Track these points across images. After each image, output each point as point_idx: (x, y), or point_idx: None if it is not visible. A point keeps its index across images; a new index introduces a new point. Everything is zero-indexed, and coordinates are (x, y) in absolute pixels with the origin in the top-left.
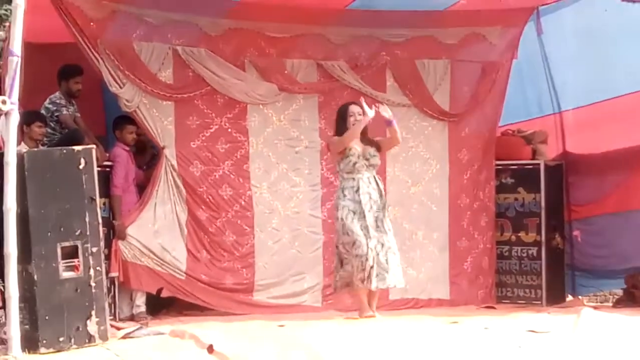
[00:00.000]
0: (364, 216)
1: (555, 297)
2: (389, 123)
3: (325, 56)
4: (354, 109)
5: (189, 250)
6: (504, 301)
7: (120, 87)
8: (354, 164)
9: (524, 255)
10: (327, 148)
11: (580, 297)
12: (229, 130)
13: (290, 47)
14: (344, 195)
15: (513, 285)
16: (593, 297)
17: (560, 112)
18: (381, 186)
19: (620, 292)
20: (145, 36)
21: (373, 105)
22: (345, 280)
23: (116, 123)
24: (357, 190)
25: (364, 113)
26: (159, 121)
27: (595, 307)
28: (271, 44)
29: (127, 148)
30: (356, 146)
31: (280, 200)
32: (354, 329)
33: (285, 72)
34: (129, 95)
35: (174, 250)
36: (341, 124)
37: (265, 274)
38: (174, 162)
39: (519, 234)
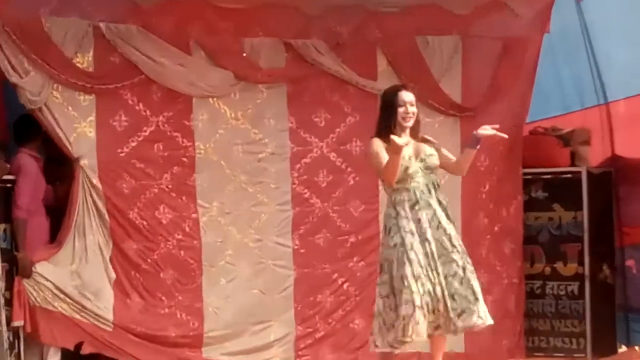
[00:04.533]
0: (426, 240)
1: (604, 347)
2: (474, 141)
3: (296, 33)
4: (405, 97)
5: (116, 294)
6: (536, 354)
7: (22, 77)
8: (406, 169)
9: (562, 293)
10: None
11: (637, 347)
12: (169, 132)
13: (250, 22)
14: (397, 214)
15: (548, 333)
16: None
17: (606, 103)
18: (444, 199)
19: None
20: (58, 10)
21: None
22: (402, 330)
23: (20, 123)
24: (415, 205)
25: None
26: (75, 122)
27: None
28: (224, 18)
29: (37, 156)
30: (406, 147)
31: (237, 225)
32: None
33: (244, 54)
34: (34, 87)
35: (98, 293)
36: (386, 117)
37: (217, 322)
38: (94, 178)
39: (555, 265)
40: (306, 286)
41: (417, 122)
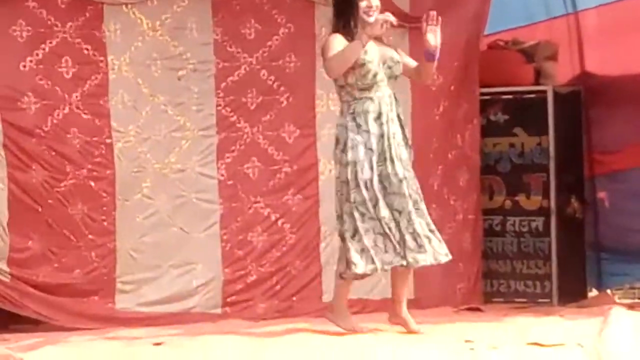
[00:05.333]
0: (391, 159)
1: (572, 291)
2: (429, 56)
3: None
4: None
5: (12, 237)
6: (495, 300)
7: None
8: (375, 75)
9: (525, 230)
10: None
11: (609, 291)
12: (77, 44)
13: None
14: (358, 126)
15: (509, 276)
16: (629, 290)
17: (575, 12)
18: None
19: None
20: None
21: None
22: (370, 259)
23: None
24: (380, 117)
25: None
26: None
27: (630, 306)
28: None
29: None
30: (372, 49)
31: (155, 152)
32: (267, 352)
33: None
34: None
35: None
36: (346, 12)
37: (132, 266)
38: None
39: (517, 199)
40: (235, 223)
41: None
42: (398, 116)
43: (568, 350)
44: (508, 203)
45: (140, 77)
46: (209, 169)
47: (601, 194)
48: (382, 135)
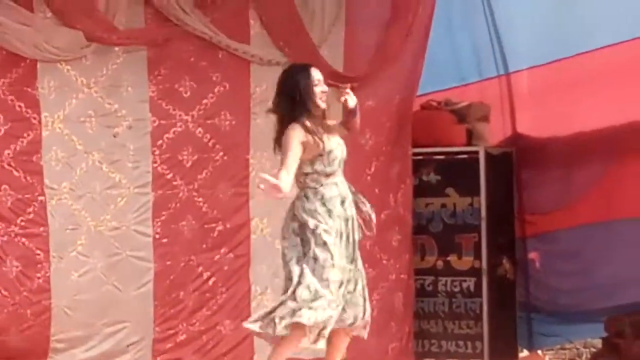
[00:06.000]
0: (353, 244)
1: (504, 352)
2: (352, 113)
3: None
4: (318, 75)
5: None
6: (426, 359)
7: None
8: (340, 161)
9: (456, 290)
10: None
11: (540, 351)
12: (10, 101)
13: None
14: (329, 211)
15: (441, 336)
16: (560, 351)
17: (507, 74)
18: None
19: (599, 343)
20: None
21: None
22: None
23: None
24: (344, 201)
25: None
26: None
27: None
28: None
29: None
30: (327, 135)
31: (90, 210)
32: None
33: (97, 12)
34: None
35: None
36: (302, 99)
37: (67, 324)
38: None
39: (449, 259)
40: (167, 281)
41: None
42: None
43: None
44: (440, 263)
45: (75, 134)
46: (144, 227)
47: (532, 255)
48: (347, 219)
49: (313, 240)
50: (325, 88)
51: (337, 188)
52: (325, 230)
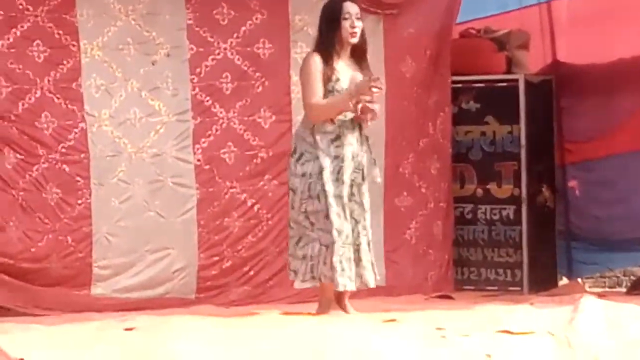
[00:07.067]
0: (342, 180)
1: (543, 280)
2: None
3: None
4: (350, 8)
5: None
6: (465, 287)
7: None
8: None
9: (496, 218)
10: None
11: (579, 279)
12: (49, 28)
13: None
14: (314, 142)
15: (480, 264)
16: (599, 279)
17: (548, 1)
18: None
19: (638, 271)
20: None
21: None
22: (309, 268)
23: None
24: (336, 139)
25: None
26: None
27: (601, 295)
28: None
29: None
30: (343, 72)
31: (131, 137)
32: (234, 334)
33: None
34: None
35: None
36: (329, 33)
37: (108, 250)
38: None
39: (488, 187)
40: (211, 208)
41: (363, 41)
42: (363, 138)
43: (538, 338)
44: (479, 191)
45: (114, 62)
46: (185, 154)
47: (572, 183)
48: (336, 157)
49: None
50: (357, 23)
51: (332, 125)
52: (308, 161)
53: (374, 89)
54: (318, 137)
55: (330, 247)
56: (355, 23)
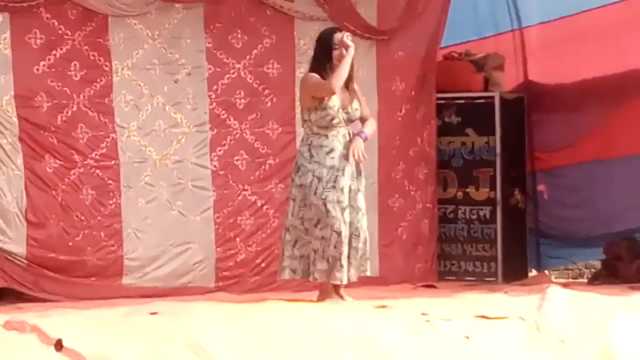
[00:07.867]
0: (339, 187)
1: (515, 271)
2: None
3: None
4: (339, 37)
5: (29, 221)
6: (447, 278)
7: None
8: (332, 119)
9: (474, 217)
10: (305, 89)
11: (547, 271)
12: (86, 50)
13: None
14: (311, 157)
15: (460, 257)
16: (564, 271)
17: (520, 28)
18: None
19: (598, 264)
20: None
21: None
22: (296, 267)
23: None
24: (330, 152)
25: (345, 46)
26: None
27: (565, 285)
28: None
29: None
30: (336, 95)
31: (155, 146)
32: (247, 318)
33: None
34: None
35: (4, 222)
36: (322, 58)
37: (137, 244)
38: (9, 95)
39: (467, 190)
40: (226, 208)
41: (351, 69)
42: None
43: (511, 322)
44: (460, 194)
45: (141, 80)
46: (203, 160)
47: (541, 187)
48: (332, 167)
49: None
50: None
51: (325, 139)
52: (304, 174)
53: (345, 39)
54: (315, 152)
55: (327, 246)
56: (343, 51)
